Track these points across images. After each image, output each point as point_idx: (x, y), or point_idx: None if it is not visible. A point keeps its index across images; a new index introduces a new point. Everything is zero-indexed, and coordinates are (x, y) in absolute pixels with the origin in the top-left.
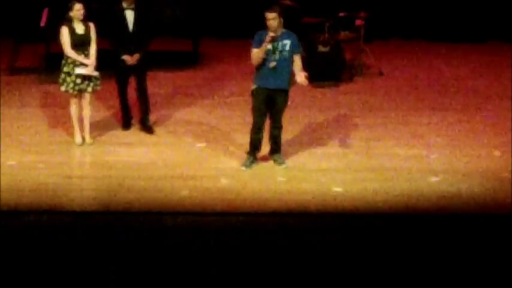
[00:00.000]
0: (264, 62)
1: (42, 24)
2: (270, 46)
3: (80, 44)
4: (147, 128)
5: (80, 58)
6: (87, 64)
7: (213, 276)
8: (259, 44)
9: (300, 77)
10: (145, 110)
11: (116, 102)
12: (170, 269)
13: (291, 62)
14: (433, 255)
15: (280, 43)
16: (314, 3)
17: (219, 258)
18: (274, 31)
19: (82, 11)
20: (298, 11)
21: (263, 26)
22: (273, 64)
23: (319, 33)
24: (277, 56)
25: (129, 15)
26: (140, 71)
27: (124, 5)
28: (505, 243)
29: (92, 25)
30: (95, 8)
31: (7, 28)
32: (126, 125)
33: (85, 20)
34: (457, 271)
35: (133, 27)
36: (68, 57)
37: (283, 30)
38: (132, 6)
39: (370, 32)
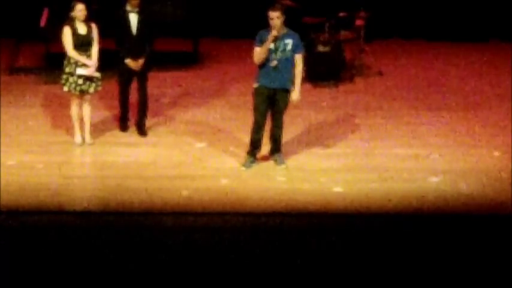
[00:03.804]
0: (266, 61)
1: (42, 24)
2: (271, 45)
3: (82, 44)
4: (142, 132)
5: (82, 59)
6: (89, 65)
7: (214, 276)
8: (261, 43)
9: (296, 94)
10: (143, 114)
11: (116, 102)
12: (170, 269)
13: (293, 61)
14: (433, 256)
15: (282, 42)
16: (314, 3)
17: (219, 258)
18: (277, 30)
19: (84, 12)
20: (299, 11)
21: (263, 26)
22: (274, 63)
23: (319, 33)
24: (278, 55)
25: (133, 18)
26: (143, 75)
27: (128, 7)
28: (505, 243)
29: (94, 25)
30: (95, 9)
31: (7, 28)
32: (123, 126)
33: (87, 21)
34: (457, 271)
35: (137, 30)
36: (70, 58)
37: (286, 29)
38: (137, 9)
39: (371, 31)
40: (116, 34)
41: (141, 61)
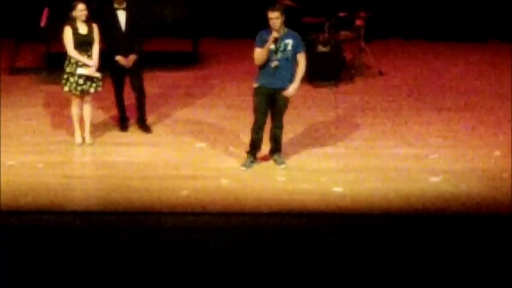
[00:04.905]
0: (267, 61)
1: (42, 24)
2: (272, 46)
3: (83, 44)
4: (144, 127)
5: (83, 59)
6: (89, 65)
7: (214, 276)
8: (261, 44)
9: (293, 88)
10: (142, 110)
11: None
12: (170, 269)
13: (294, 61)
14: (433, 256)
15: (282, 43)
16: (314, 3)
17: (219, 258)
18: (277, 30)
19: (85, 12)
20: (299, 11)
21: (263, 26)
22: (275, 64)
23: (319, 33)
24: (279, 55)
25: (121, 16)
26: (135, 72)
27: (115, 5)
28: (505, 243)
29: (95, 26)
30: (95, 9)
31: (7, 28)
32: (123, 126)
33: (88, 21)
34: (457, 271)
35: (125, 27)
36: (71, 58)
37: (286, 29)
38: (124, 6)
39: (370, 31)
40: (104, 32)
41: (131, 58)
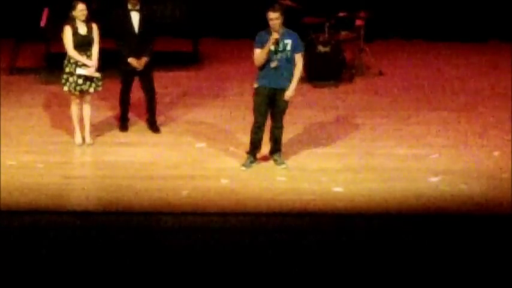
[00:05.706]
0: (267, 62)
1: (42, 24)
2: (272, 46)
3: (83, 44)
4: (154, 128)
5: (82, 59)
6: (89, 65)
7: (214, 276)
8: (261, 45)
9: (290, 91)
10: (153, 111)
11: (116, 102)
12: (170, 269)
13: (294, 61)
14: (433, 256)
15: (281, 43)
16: (314, 3)
17: (219, 258)
18: (277, 31)
19: (85, 12)
20: (299, 11)
21: (263, 26)
22: (274, 64)
23: (319, 33)
24: (279, 56)
25: (135, 17)
26: (146, 73)
27: (129, 6)
28: (505, 244)
29: (94, 26)
30: (95, 8)
31: (7, 28)
32: (123, 126)
33: (88, 21)
34: (457, 271)
35: (138, 28)
36: (70, 58)
37: (284, 29)
38: (137, 7)
39: (370, 31)
40: (117, 33)
41: (143, 60)
